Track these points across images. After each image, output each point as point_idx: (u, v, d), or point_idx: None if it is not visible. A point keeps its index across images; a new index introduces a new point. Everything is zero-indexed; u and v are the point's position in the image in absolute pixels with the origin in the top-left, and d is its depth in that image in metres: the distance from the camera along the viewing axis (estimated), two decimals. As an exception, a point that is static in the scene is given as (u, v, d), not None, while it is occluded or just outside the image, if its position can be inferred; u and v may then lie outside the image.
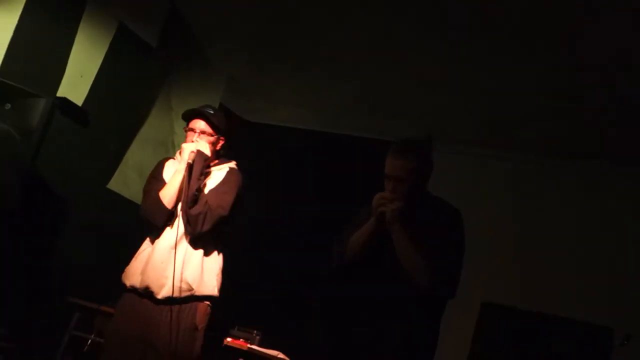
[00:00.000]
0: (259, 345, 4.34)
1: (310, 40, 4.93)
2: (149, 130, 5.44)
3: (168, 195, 3.13)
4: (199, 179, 3.15)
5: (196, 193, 3.14)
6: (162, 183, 3.20)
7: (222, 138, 3.31)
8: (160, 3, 4.92)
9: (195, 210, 3.06)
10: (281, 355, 4.26)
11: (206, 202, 3.07)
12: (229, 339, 4.41)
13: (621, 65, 3.83)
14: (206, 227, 3.07)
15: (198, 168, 3.15)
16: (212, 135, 3.22)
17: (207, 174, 3.26)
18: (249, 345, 4.28)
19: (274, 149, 6.07)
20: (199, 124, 3.22)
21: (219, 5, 4.87)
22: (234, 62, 5.72)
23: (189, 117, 3.27)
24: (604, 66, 3.91)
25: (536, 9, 3.61)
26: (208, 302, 3.13)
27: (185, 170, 3.11)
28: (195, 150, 3.14)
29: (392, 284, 2.64)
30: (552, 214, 4.99)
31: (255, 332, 4.47)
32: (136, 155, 5.32)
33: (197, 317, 3.07)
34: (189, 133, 3.23)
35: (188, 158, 3.10)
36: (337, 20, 4.52)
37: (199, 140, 3.22)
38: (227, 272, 3.24)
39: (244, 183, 3.27)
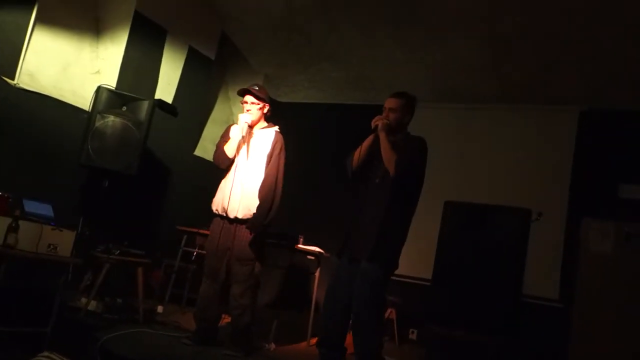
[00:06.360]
0: (303, 244, 4.64)
1: (315, 49, 5.88)
2: (216, 114, 6.34)
3: (229, 148, 3.54)
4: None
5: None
6: (227, 139, 3.57)
7: (266, 104, 3.58)
8: (214, 33, 5.76)
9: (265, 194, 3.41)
10: (317, 249, 4.56)
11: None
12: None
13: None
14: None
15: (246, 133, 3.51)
16: (257, 104, 3.55)
17: (251, 134, 3.55)
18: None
19: (295, 118, 6.17)
20: (248, 98, 3.53)
21: (252, 31, 5.81)
22: (267, 65, 6.54)
23: (241, 93, 3.58)
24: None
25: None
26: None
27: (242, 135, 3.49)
28: (246, 120, 3.49)
29: (376, 192, 3.15)
30: (490, 143, 5.82)
31: (299, 235, 4.71)
32: (209, 131, 6.11)
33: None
34: (244, 104, 3.56)
35: (241, 126, 3.49)
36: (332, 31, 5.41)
37: (249, 110, 3.52)
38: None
39: (284, 143, 3.55)
